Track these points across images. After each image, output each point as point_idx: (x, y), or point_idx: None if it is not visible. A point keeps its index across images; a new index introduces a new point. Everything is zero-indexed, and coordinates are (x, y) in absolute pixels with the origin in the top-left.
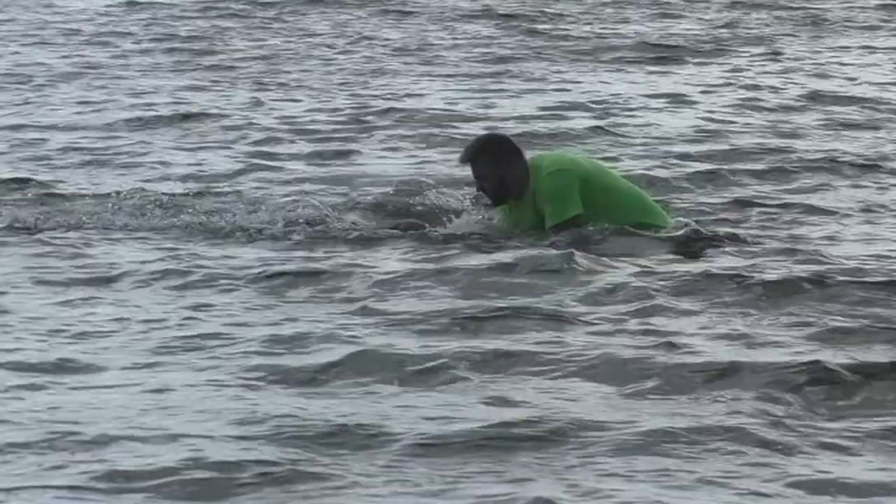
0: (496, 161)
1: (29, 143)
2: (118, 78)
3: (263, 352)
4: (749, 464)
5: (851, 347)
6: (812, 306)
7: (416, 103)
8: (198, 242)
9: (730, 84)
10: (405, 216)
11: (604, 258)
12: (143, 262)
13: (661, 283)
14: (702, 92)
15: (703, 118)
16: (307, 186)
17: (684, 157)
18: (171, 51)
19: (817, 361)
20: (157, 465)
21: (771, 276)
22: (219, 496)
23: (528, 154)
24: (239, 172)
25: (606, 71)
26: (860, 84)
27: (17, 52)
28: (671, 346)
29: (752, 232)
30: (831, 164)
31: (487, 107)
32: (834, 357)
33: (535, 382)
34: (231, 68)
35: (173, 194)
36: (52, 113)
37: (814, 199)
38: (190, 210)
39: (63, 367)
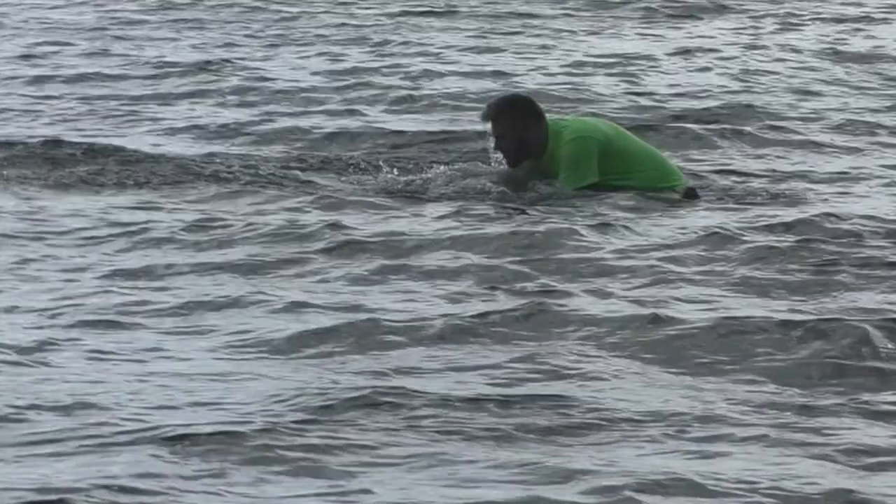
0: (517, 121)
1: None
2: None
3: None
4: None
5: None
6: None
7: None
8: (212, 200)
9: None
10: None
11: (615, 226)
12: (172, 226)
13: (667, 250)
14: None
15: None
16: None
17: (697, 114)
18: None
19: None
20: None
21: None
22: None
23: (551, 118)
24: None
25: (628, 28)
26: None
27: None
28: (670, 318)
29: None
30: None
31: (504, 65)
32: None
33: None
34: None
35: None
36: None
37: (829, 163)
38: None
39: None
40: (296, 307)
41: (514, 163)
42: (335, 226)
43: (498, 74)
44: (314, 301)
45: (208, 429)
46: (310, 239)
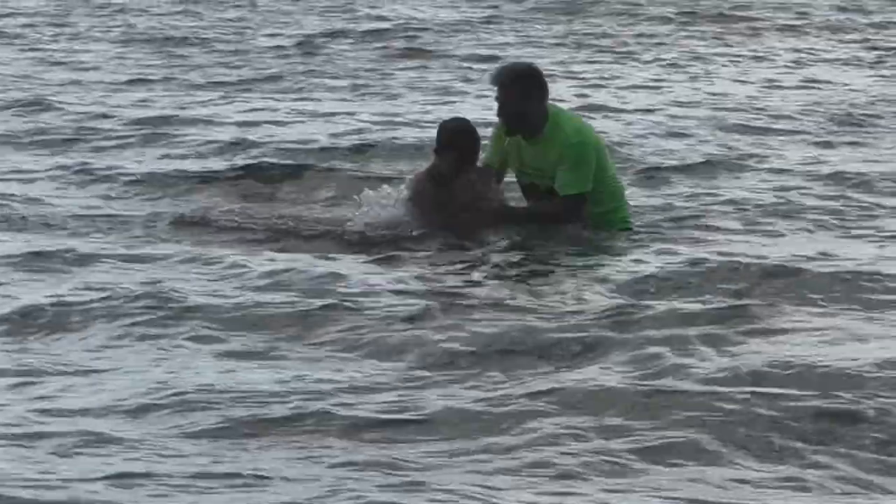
0: (525, 93)
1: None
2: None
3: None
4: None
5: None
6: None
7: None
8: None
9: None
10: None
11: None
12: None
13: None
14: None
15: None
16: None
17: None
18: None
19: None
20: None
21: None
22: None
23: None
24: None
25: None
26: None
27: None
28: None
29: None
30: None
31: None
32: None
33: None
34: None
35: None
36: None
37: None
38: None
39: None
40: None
41: (510, 132)
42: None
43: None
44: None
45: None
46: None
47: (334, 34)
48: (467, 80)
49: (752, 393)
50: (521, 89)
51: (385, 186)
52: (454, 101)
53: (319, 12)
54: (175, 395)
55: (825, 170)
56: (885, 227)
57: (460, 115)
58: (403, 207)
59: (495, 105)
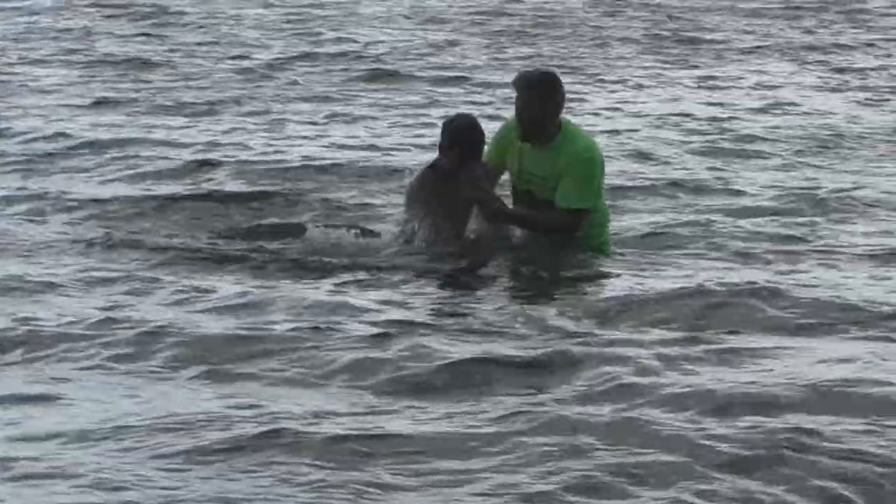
0: (549, 101)
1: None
2: None
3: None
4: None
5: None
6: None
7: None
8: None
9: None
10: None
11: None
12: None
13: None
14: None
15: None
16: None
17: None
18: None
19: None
20: None
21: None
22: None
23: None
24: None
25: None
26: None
27: None
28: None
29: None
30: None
31: None
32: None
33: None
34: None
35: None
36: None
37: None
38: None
39: None
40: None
41: (525, 137)
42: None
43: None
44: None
45: None
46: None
47: (299, 57)
48: (434, 103)
49: (718, 416)
50: (543, 94)
51: (330, 231)
52: (420, 124)
53: (284, 36)
54: (141, 420)
55: (790, 192)
56: (849, 249)
57: (465, 112)
58: (405, 207)
59: (513, 107)
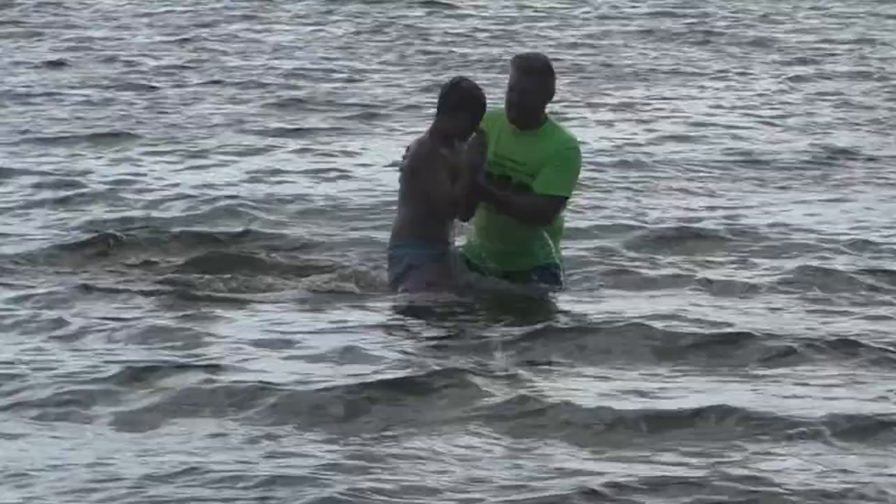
0: (546, 88)
1: None
2: None
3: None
4: None
5: None
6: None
7: None
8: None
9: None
10: None
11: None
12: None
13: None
14: None
15: None
16: None
17: None
18: None
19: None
20: None
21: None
22: None
23: None
24: None
25: None
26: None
27: None
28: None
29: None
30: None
31: None
32: None
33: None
34: None
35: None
36: None
37: None
38: None
39: None
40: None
41: (521, 119)
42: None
43: None
44: None
45: None
46: None
47: (212, 84)
48: (340, 131)
49: (600, 449)
50: (543, 79)
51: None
52: (341, 151)
53: (196, 68)
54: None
55: (692, 218)
56: (745, 279)
57: (462, 75)
58: (404, 182)
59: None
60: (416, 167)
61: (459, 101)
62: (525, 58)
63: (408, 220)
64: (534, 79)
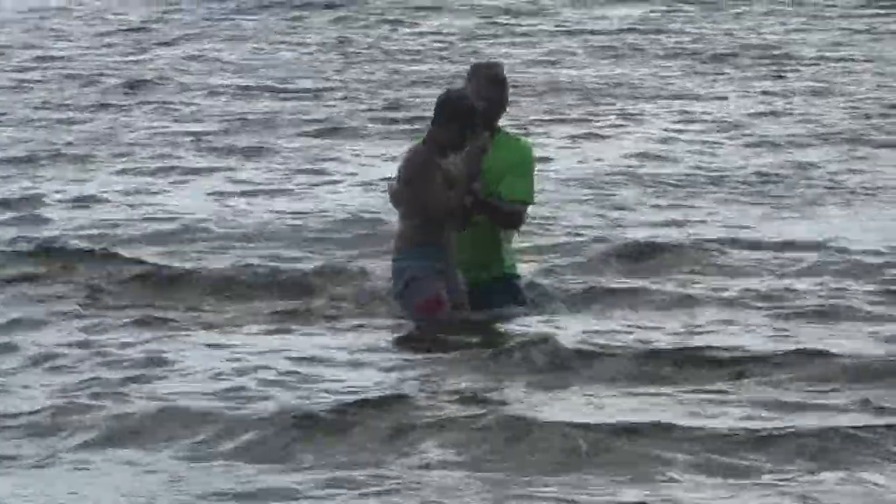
0: (507, 96)
1: None
2: None
3: None
4: None
5: None
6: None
7: None
8: None
9: None
10: None
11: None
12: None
13: None
14: None
15: None
16: None
17: None
18: None
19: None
20: None
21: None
22: None
23: None
24: None
25: None
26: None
27: None
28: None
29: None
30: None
31: None
32: None
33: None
34: None
35: None
36: None
37: None
38: None
39: None
40: None
41: (485, 128)
42: None
43: None
44: None
45: None
46: None
47: (173, 102)
48: (314, 147)
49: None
50: (505, 89)
51: None
52: (304, 170)
53: (157, 86)
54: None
55: (651, 236)
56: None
57: (456, 88)
58: (397, 194)
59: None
60: (410, 177)
61: (451, 112)
62: (489, 67)
63: (407, 231)
64: (499, 88)
